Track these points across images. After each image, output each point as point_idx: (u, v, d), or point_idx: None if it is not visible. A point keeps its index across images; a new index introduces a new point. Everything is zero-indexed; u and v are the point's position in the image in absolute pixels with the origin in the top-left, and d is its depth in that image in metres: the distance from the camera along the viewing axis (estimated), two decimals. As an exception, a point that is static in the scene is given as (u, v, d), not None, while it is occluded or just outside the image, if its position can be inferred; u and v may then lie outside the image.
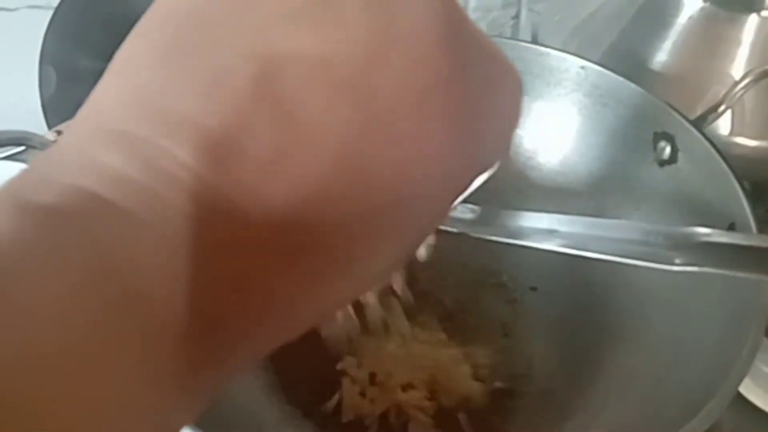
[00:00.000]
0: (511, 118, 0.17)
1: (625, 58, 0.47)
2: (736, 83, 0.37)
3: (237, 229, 0.12)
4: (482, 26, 0.63)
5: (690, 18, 0.44)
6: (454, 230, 0.37)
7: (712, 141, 0.35)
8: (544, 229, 0.35)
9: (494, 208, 0.37)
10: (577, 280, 0.38)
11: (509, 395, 0.35)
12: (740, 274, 0.29)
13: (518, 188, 0.44)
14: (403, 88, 0.13)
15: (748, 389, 0.38)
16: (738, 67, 0.42)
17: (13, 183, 0.12)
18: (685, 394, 0.29)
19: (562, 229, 0.35)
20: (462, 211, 0.38)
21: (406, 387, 0.35)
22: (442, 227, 0.38)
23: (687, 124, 0.36)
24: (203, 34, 0.13)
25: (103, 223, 0.11)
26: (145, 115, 0.13)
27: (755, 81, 0.37)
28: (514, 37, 0.64)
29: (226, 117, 0.12)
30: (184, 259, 0.12)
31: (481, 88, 0.15)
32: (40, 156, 0.13)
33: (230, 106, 0.12)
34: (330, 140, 0.12)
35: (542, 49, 0.42)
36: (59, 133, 0.51)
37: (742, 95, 0.37)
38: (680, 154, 0.37)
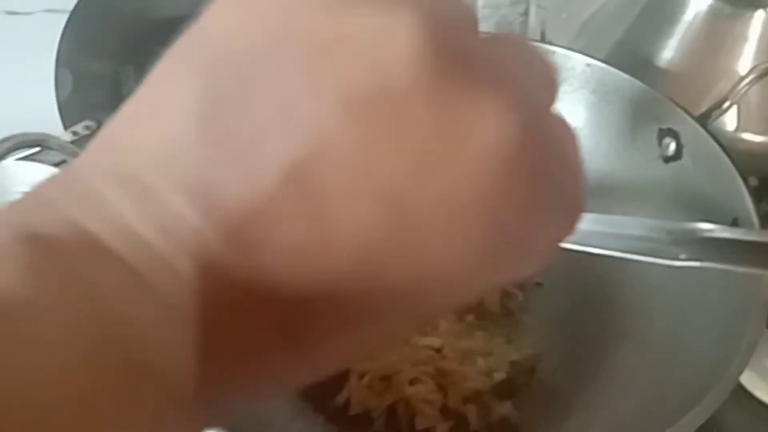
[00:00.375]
0: (563, 233, 0.15)
1: (631, 56, 0.47)
2: (741, 79, 0.37)
3: (245, 309, 0.12)
4: (491, 24, 0.63)
5: (696, 15, 0.44)
6: None
7: (716, 137, 0.35)
8: None
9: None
10: (582, 277, 0.38)
11: (514, 390, 0.36)
12: (742, 269, 0.29)
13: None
14: (442, 206, 0.12)
15: (753, 384, 0.38)
16: (744, 63, 0.42)
17: (21, 206, 0.12)
18: (686, 388, 0.29)
19: None
20: None
21: (414, 381, 0.35)
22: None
23: (691, 121, 0.36)
24: (244, 93, 0.12)
25: (112, 281, 0.11)
26: (169, 173, 0.12)
27: (760, 77, 0.37)
28: (523, 34, 0.64)
29: (257, 203, 0.12)
30: (192, 334, 0.12)
31: (532, 210, 0.13)
32: (51, 180, 0.13)
33: (263, 191, 0.12)
34: (356, 243, 0.12)
35: (548, 47, 0.42)
36: (75, 134, 0.52)
37: (746, 91, 0.37)
38: (685, 151, 0.37)
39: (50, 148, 0.33)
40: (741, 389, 0.39)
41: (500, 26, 0.64)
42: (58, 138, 0.33)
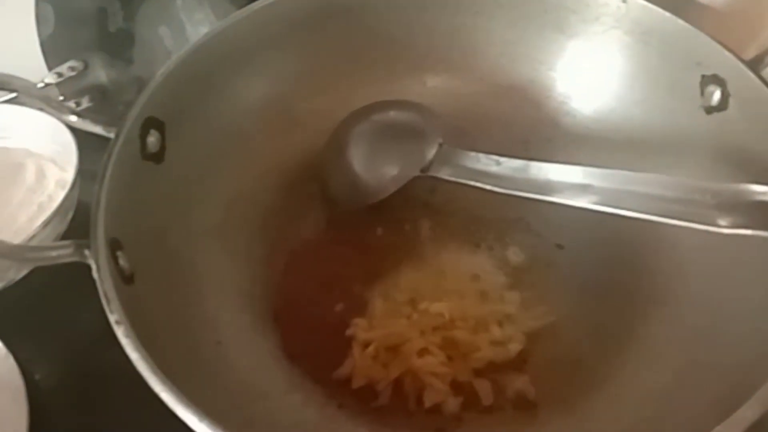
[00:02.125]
0: None
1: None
2: (800, 19, 0.33)
3: None
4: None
5: (748, -56, 0.39)
6: (479, 185, 0.34)
7: (769, 84, 0.31)
8: (575, 184, 0.32)
9: (522, 160, 0.34)
10: (609, 239, 0.35)
11: (532, 362, 0.33)
12: (797, 239, 0.26)
13: (549, 137, 0.40)
14: None
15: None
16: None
17: None
18: (729, 366, 0.26)
19: (596, 183, 0.32)
20: (486, 163, 0.35)
21: (422, 352, 0.32)
22: (466, 182, 0.35)
23: (741, 66, 0.32)
24: None
25: None
26: None
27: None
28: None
29: None
30: None
31: None
32: None
33: None
34: None
35: (578, -19, 0.37)
36: (60, 75, 0.48)
37: (806, 32, 0.33)
38: (731, 101, 0.33)
39: (16, 91, 0.29)
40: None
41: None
42: (25, 80, 0.29)
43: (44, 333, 0.40)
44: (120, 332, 0.24)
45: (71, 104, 0.47)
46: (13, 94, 0.48)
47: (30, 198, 0.43)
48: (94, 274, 0.27)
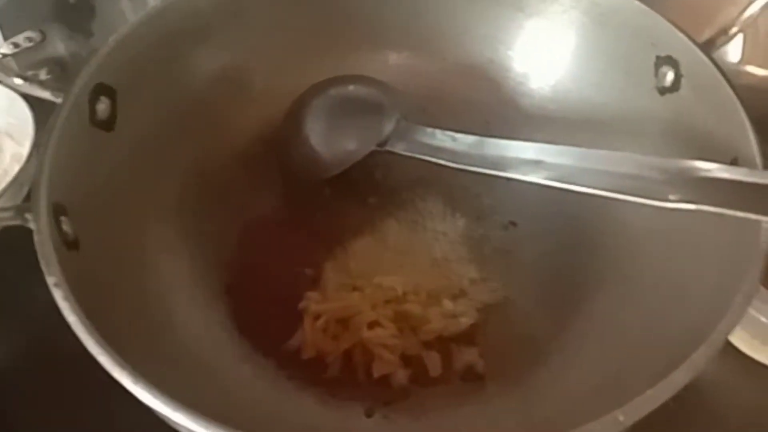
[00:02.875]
0: None
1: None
2: (751, 2, 0.33)
3: None
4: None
5: (706, -71, 0.39)
6: (434, 160, 0.35)
7: (720, 66, 0.32)
8: (529, 160, 0.32)
9: (477, 136, 0.34)
10: (562, 216, 0.35)
11: (482, 335, 0.33)
12: (740, 214, 0.26)
13: (508, 116, 0.41)
14: None
15: (743, 341, 0.36)
16: (756, -13, 0.38)
17: None
18: (672, 342, 0.27)
19: (549, 160, 0.32)
20: (442, 139, 0.35)
21: (372, 324, 0.32)
22: (422, 157, 0.35)
23: (693, 48, 0.33)
24: None
25: None
26: None
27: (773, 0, 0.33)
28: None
29: None
30: None
31: None
32: None
33: None
34: None
35: (538, -40, 0.37)
36: (16, 45, 0.47)
37: (756, 17, 0.33)
38: (684, 81, 0.34)
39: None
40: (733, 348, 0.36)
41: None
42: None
43: None
44: (58, 295, 0.24)
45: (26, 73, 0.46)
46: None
47: (-17, 172, 0.42)
48: (35, 238, 0.26)
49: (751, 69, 0.39)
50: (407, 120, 0.37)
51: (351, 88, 0.39)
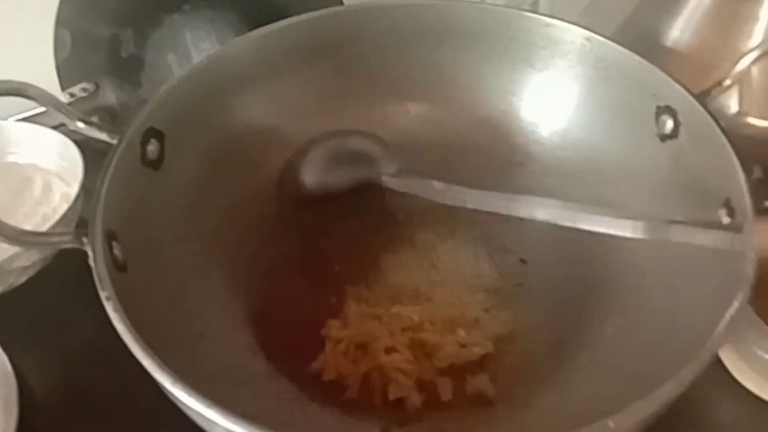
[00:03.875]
0: None
1: (639, 35, 0.46)
2: (743, 56, 0.36)
3: None
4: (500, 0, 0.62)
5: (705, -7, 0.42)
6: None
7: (713, 114, 0.34)
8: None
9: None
10: (568, 254, 0.38)
11: (492, 363, 0.35)
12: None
13: (520, 162, 0.44)
14: None
15: (742, 374, 0.37)
16: (753, 44, 0.41)
17: None
18: (667, 364, 0.29)
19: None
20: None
21: (389, 350, 0.35)
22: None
23: (689, 98, 0.35)
24: None
25: None
26: None
27: (762, 55, 0.35)
28: (534, 10, 0.62)
29: None
30: None
31: None
32: None
33: None
34: None
35: (548, 20, 0.41)
36: (72, 95, 0.52)
37: (748, 69, 0.36)
38: (682, 129, 0.36)
39: (32, 99, 0.32)
40: (731, 380, 0.38)
41: (510, 1, 0.63)
42: (40, 89, 0.33)
43: (41, 341, 0.41)
44: (109, 307, 0.27)
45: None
46: (26, 113, 0.52)
47: (35, 210, 0.45)
48: (90, 261, 0.29)
49: (752, 120, 0.42)
50: (429, 172, 0.40)
51: (350, 140, 0.42)
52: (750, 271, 0.27)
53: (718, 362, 0.38)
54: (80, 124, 0.35)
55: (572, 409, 0.32)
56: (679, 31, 0.43)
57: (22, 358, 0.38)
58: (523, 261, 0.39)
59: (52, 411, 0.38)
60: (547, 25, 0.41)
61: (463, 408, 0.33)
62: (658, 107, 0.37)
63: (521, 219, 0.36)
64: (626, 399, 0.29)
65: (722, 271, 0.30)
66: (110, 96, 0.52)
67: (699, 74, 0.41)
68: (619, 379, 0.31)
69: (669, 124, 0.37)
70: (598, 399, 0.31)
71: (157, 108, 0.36)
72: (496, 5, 0.43)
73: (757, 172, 0.50)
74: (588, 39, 0.40)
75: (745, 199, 0.31)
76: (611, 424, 0.23)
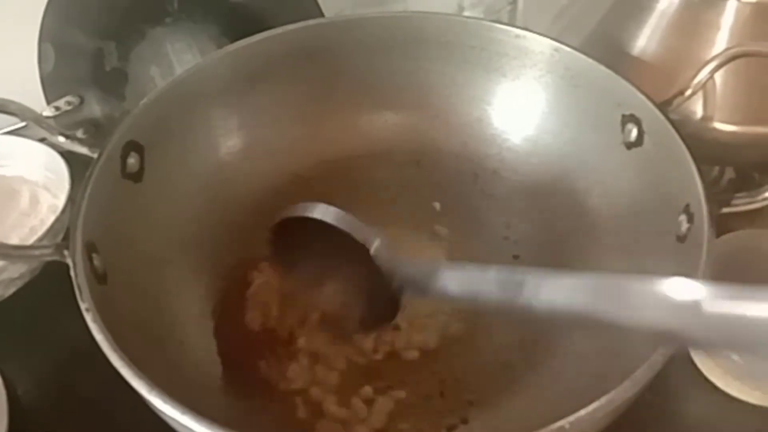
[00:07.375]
0: None
1: (606, 45, 0.47)
2: (703, 66, 0.37)
3: None
4: (478, 11, 0.64)
5: (670, 3, 0.43)
6: None
7: (675, 123, 0.35)
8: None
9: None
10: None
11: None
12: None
13: (494, 169, 0.45)
14: None
15: (711, 372, 0.39)
16: (716, 52, 0.42)
17: None
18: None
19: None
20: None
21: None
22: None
23: (652, 107, 0.37)
24: None
25: None
26: None
27: (722, 64, 0.37)
28: (511, 23, 0.64)
29: None
30: None
31: None
32: None
33: None
34: None
35: (518, 31, 0.42)
36: (57, 109, 0.53)
37: (708, 79, 0.37)
38: (646, 137, 0.37)
39: (14, 115, 0.33)
40: (700, 376, 0.39)
41: (488, 14, 0.64)
42: (21, 105, 0.34)
43: (30, 351, 0.42)
44: (89, 318, 0.28)
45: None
46: (13, 126, 0.52)
47: (23, 221, 0.46)
48: (71, 272, 0.30)
49: (718, 125, 0.43)
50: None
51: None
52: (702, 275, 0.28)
53: (689, 360, 0.40)
54: (61, 139, 0.36)
55: (540, 409, 0.33)
56: (645, 40, 0.45)
57: (12, 368, 0.39)
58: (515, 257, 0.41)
59: (41, 420, 0.38)
60: (518, 36, 0.42)
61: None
62: (624, 116, 0.38)
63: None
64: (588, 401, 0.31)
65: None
66: (95, 109, 0.53)
67: (665, 82, 0.42)
68: (584, 385, 0.32)
69: (634, 133, 0.38)
70: (565, 400, 0.32)
71: (137, 121, 0.37)
72: (470, 17, 0.44)
73: (729, 174, 0.51)
74: (556, 50, 0.41)
75: (701, 202, 0.32)
76: (567, 426, 0.24)
